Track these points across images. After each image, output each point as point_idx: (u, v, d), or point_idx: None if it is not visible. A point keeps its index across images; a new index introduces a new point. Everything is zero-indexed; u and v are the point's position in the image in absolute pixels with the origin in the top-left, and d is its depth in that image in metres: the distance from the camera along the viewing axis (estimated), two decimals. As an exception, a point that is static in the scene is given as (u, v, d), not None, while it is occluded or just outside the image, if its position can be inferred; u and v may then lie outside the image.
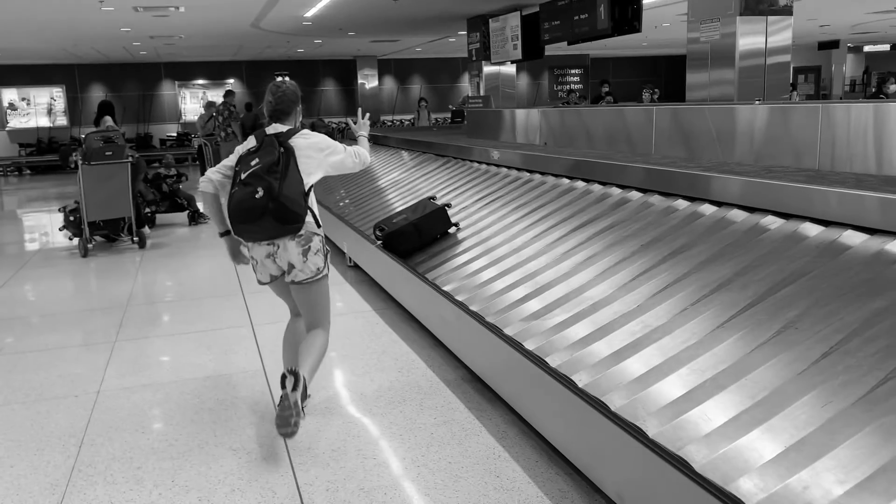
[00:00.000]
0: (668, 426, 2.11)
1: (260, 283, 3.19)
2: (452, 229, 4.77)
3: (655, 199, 3.67)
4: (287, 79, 3.31)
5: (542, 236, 3.97)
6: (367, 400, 3.40)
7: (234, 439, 3.05)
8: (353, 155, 3.21)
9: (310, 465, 2.79)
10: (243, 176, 2.94)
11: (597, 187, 4.22)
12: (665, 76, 23.57)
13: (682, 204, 3.48)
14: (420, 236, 4.67)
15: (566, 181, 4.57)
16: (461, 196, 5.41)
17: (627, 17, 8.61)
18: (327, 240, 3.23)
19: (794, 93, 14.24)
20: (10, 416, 3.38)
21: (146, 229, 8.08)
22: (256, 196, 2.86)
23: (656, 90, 14.86)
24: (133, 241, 7.35)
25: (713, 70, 6.47)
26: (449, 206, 4.95)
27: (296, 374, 2.83)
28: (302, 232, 3.00)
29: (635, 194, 3.84)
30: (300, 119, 3.22)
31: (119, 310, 5.14)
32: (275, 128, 3.08)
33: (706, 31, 6.40)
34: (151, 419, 3.29)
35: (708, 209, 3.31)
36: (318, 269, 3.06)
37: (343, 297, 5.29)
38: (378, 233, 4.89)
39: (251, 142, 3.07)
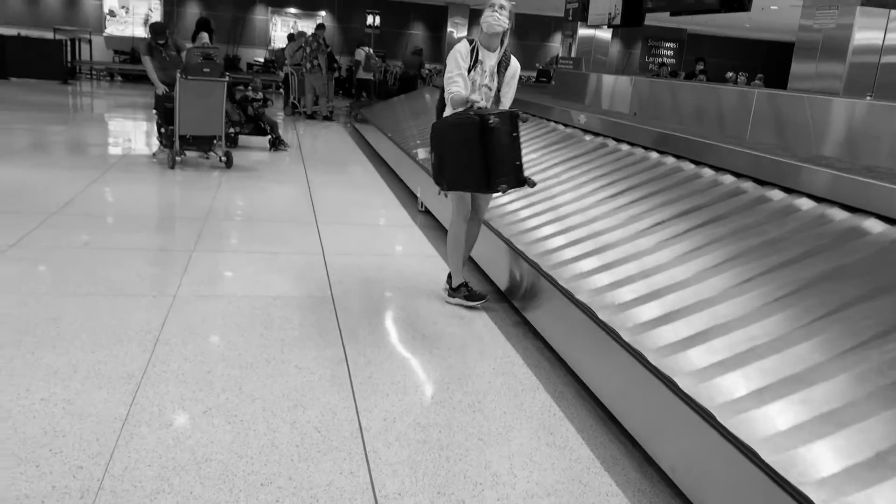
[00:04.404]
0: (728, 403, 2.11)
1: None
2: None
3: (749, 185, 3.59)
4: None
5: (612, 203, 3.93)
6: (429, 342, 3.47)
7: (299, 358, 3.16)
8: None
9: (369, 394, 2.88)
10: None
11: (689, 165, 4.14)
12: (762, 62, 22.68)
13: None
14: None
15: (650, 153, 4.49)
16: (544, 158, 5.37)
17: (740, -7, 8.23)
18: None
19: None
20: (93, 305, 3.57)
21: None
22: None
23: (761, 78, 14.22)
24: (221, 160, 7.52)
25: (821, 62, 6.15)
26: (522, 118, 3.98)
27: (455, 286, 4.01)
28: None
29: (729, 178, 3.76)
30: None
31: (199, 222, 5.32)
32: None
33: (821, 18, 6.08)
34: (223, 328, 3.43)
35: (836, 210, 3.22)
36: None
37: (412, 240, 5.36)
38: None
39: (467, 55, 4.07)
